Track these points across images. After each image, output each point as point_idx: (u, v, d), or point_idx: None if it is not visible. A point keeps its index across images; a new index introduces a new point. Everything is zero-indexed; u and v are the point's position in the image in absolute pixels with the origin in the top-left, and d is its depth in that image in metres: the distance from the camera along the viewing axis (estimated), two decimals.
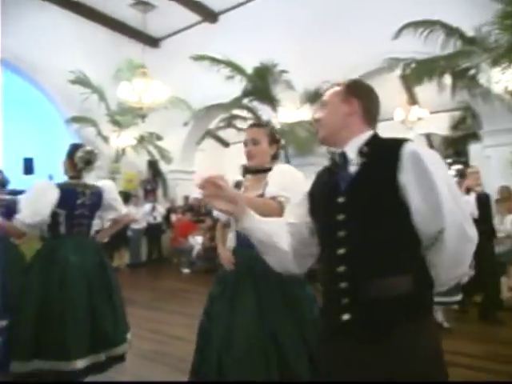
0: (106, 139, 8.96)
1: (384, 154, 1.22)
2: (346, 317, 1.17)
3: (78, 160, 2.59)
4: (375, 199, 1.18)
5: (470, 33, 5.80)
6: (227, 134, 11.60)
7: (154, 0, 8.36)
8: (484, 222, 4.36)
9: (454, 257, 1.16)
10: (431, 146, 12.33)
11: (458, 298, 3.86)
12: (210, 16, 9.09)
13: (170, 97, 8.20)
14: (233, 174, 9.53)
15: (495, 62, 5.73)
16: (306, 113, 7.61)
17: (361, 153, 1.25)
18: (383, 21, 6.75)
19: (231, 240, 2.16)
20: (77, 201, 2.54)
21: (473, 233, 1.17)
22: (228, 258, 2.07)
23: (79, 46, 8.72)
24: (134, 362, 3.07)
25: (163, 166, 9.64)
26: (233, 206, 1.24)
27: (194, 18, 9.14)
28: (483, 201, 4.56)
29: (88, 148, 2.70)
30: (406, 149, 1.17)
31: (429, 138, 11.54)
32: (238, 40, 8.30)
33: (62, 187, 2.51)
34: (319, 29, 7.59)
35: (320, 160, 8.39)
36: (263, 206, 1.70)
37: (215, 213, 2.30)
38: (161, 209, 8.99)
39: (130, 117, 8.80)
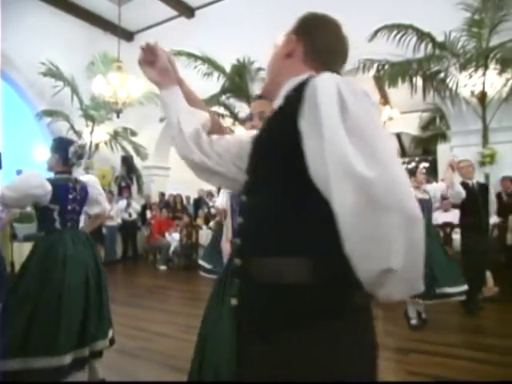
0: (78, 134, 8.76)
1: (293, 98, 0.89)
2: (233, 301, 0.95)
3: (72, 155, 2.57)
4: (273, 158, 0.90)
5: (440, 38, 6.06)
6: None
7: None
8: (472, 213, 4.24)
9: (349, 230, 0.73)
10: (401, 144, 12.80)
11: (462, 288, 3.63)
12: (187, 11, 9.04)
13: (146, 92, 8.11)
14: None
15: (463, 67, 6.03)
16: None
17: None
18: (358, 23, 6.85)
19: (229, 230, 2.14)
20: (69, 196, 2.53)
21: (390, 200, 0.70)
22: (227, 250, 2.05)
23: (51, 38, 8.48)
24: (120, 359, 3.09)
25: (138, 162, 9.53)
26: (161, 78, 1.16)
27: (171, 12, 9.07)
28: (478, 191, 4.38)
29: (80, 142, 2.71)
30: (309, 86, 0.85)
31: (399, 137, 11.95)
32: (214, 36, 8.29)
33: (54, 183, 2.49)
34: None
35: None
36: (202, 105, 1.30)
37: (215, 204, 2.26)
38: (136, 205, 8.89)
39: (104, 112, 8.65)
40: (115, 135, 9.17)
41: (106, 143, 9.10)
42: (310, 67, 1.02)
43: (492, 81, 5.96)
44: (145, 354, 3.28)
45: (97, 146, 9.09)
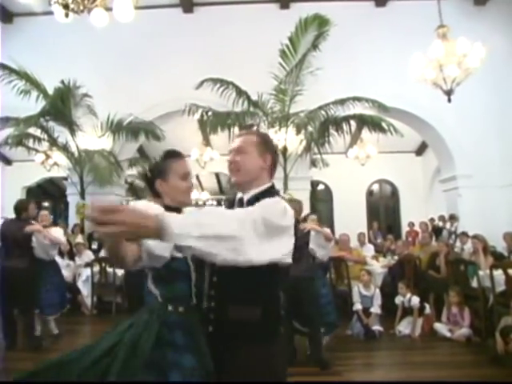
0: None
1: (260, 198, 1.45)
2: (210, 329, 1.50)
3: None
4: None
5: (254, 97, 7.13)
6: (9, 151, 10.22)
7: None
8: None
9: None
10: (219, 183, 13.94)
11: None
12: (3, 15, 8.10)
13: None
14: (14, 196, 8.66)
15: (270, 125, 7.23)
16: (107, 142, 7.62)
17: (256, 199, 1.46)
18: (186, 69, 7.57)
19: None
20: None
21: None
22: None
23: None
24: None
25: None
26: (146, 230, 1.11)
27: None
28: None
29: None
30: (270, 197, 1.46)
31: (218, 176, 13.04)
32: (35, 51, 7.69)
33: None
34: (128, 62, 7.83)
35: (118, 190, 8.44)
36: None
37: None
38: None
39: None
40: None
41: None
42: (270, 177, 1.61)
43: (291, 139, 7.30)
44: None
45: None
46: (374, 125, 6.77)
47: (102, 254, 6.15)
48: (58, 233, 4.58)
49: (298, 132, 7.01)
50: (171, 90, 7.59)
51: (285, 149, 7.30)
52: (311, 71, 6.84)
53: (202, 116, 7.13)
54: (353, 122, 7.20)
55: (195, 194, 13.60)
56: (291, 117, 7.04)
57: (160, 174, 1.63)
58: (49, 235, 4.33)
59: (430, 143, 8.93)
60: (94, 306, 6.01)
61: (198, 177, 13.16)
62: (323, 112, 7.15)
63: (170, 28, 8.01)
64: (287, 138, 7.24)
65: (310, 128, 7.13)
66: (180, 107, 7.21)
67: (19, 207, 4.38)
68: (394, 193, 12.32)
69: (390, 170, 11.63)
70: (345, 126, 7.13)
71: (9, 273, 4.18)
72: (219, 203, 15.96)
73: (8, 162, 12.52)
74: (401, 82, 7.23)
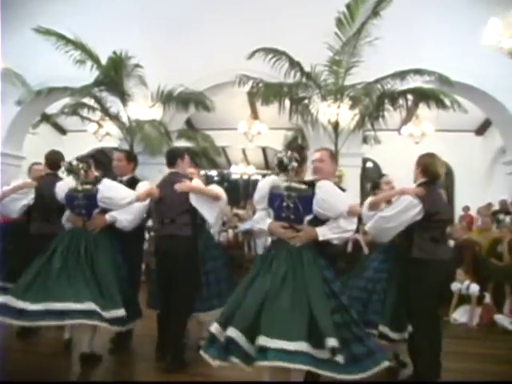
0: None
1: None
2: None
3: None
4: None
5: (307, 68, 6.84)
6: (65, 120, 10.60)
7: None
8: None
9: None
10: (266, 158, 13.80)
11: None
12: None
13: (1, 67, 7.14)
14: None
15: (323, 98, 6.94)
16: (158, 112, 7.65)
17: None
18: (238, 39, 7.37)
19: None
20: None
21: None
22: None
23: None
24: None
25: None
26: None
27: None
28: None
29: None
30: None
31: (264, 150, 12.88)
32: (90, 22, 7.71)
33: None
34: (180, 31, 7.72)
35: None
36: None
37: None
38: None
39: None
40: None
41: None
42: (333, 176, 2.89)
43: (344, 114, 6.99)
44: None
45: None
46: (436, 100, 6.31)
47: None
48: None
49: (355, 105, 6.67)
50: (221, 60, 7.44)
51: (337, 123, 7.02)
52: (369, 41, 6.41)
53: (252, 87, 6.94)
54: (410, 97, 6.78)
55: (241, 168, 13.56)
56: (346, 90, 6.69)
57: None
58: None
59: (495, 122, 8.26)
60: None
61: (244, 151, 13.08)
62: (379, 86, 6.76)
63: None
64: (340, 113, 6.94)
65: (364, 102, 6.79)
66: (230, 78, 7.06)
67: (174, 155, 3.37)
68: (449, 174, 11.64)
69: (446, 149, 10.82)
70: (401, 101, 6.74)
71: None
72: (263, 178, 15.88)
73: (63, 131, 13.02)
74: (467, 54, 6.67)
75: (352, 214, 2.43)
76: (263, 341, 2.05)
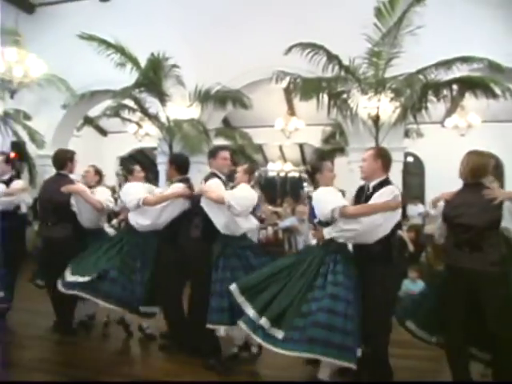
0: None
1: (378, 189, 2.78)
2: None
3: None
4: None
5: (345, 62, 6.67)
6: (106, 122, 10.97)
7: None
8: None
9: None
10: (303, 154, 13.67)
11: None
12: None
13: (47, 74, 7.45)
14: (110, 165, 9.29)
15: (363, 91, 6.74)
16: (196, 111, 7.72)
17: (373, 187, 2.82)
18: (274, 35, 7.31)
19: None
20: None
21: None
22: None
23: None
24: None
25: (32, 150, 8.63)
26: None
27: None
28: None
29: None
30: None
31: (301, 147, 12.74)
32: (128, 26, 7.92)
33: None
34: (215, 30, 7.77)
35: (205, 159, 8.57)
36: None
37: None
38: (27, 197, 8.00)
39: None
40: (5, 116, 8.20)
41: None
42: (384, 172, 2.95)
43: (385, 107, 6.76)
44: None
45: None
46: (485, 89, 5.96)
47: None
48: (103, 194, 3.96)
49: (398, 97, 6.43)
50: (258, 57, 7.40)
51: (377, 117, 6.81)
52: (411, 30, 6.15)
53: (290, 83, 6.85)
54: (455, 87, 6.45)
55: (278, 165, 13.50)
56: (387, 82, 6.47)
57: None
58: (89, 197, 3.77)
59: None
60: None
61: (280, 147, 13.01)
62: (421, 76, 6.48)
63: None
64: (380, 106, 6.73)
65: (406, 94, 6.52)
66: (267, 75, 7.01)
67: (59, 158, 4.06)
68: (498, 168, 11.05)
69: (494, 141, 10.37)
70: (446, 91, 6.42)
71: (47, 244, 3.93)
72: (300, 175, 15.75)
73: (104, 133, 13.47)
74: None
75: (343, 215, 2.71)
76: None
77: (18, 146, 8.39)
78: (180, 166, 3.73)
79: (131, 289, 3.51)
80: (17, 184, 4.30)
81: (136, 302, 3.50)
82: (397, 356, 2.94)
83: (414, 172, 11.14)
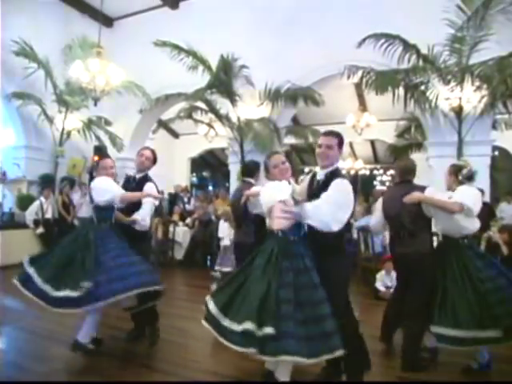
0: (50, 120, 8.36)
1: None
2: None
3: None
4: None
5: (423, 50, 6.22)
6: (177, 125, 11.38)
7: None
8: None
9: None
10: (374, 151, 13.11)
11: None
12: (171, 1, 8.83)
13: (125, 81, 7.86)
14: (181, 166, 9.55)
15: (444, 81, 6.24)
16: (266, 110, 7.70)
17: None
18: (344, 29, 7.04)
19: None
20: None
21: None
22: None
23: (25, 15, 8.02)
24: (100, 360, 2.99)
25: (112, 153, 9.19)
26: None
27: (154, 1, 8.83)
28: None
29: None
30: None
31: (373, 143, 12.22)
32: (198, 30, 8.14)
33: None
34: (283, 28, 7.70)
35: None
36: None
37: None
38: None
39: (80, 98, 8.30)
40: (89, 123, 8.81)
41: (78, 131, 8.73)
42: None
43: (468, 96, 6.21)
44: (127, 356, 3.17)
45: (68, 133, 8.70)
46: None
47: None
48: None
49: (489, 85, 5.86)
50: (327, 52, 7.18)
51: (460, 108, 6.27)
52: (503, 8, 5.55)
53: (362, 77, 6.54)
54: None
55: (348, 163, 13.06)
56: (472, 69, 5.92)
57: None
58: None
59: None
60: None
61: (351, 144, 12.59)
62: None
63: None
64: (463, 96, 6.18)
65: (495, 82, 5.92)
66: (337, 70, 6.76)
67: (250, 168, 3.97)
68: None
69: None
70: None
71: None
72: (372, 172, 15.14)
73: (176, 135, 14.01)
74: None
75: None
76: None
77: (99, 150, 8.98)
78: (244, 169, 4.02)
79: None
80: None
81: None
82: None
83: (503, 168, 10.16)
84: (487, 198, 6.27)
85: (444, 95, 6.31)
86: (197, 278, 6.62)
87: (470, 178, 3.21)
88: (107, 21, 9.32)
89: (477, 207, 3.02)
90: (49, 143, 8.64)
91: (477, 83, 6.00)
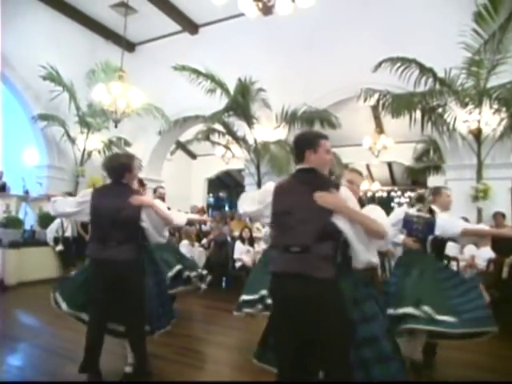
0: (72, 140, 8.62)
1: None
2: None
3: None
4: None
5: (440, 74, 6.24)
6: (195, 146, 11.56)
7: (136, 4, 8.26)
8: None
9: None
10: (392, 174, 13.01)
11: None
12: (191, 27, 9.11)
13: (144, 103, 8.07)
14: (198, 186, 9.63)
15: (462, 104, 6.22)
16: (283, 132, 7.78)
17: None
18: (360, 52, 7.13)
19: None
20: None
21: None
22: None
23: (51, 41, 8.40)
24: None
25: None
26: None
27: (174, 27, 9.12)
28: None
29: None
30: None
31: (390, 166, 12.14)
32: (217, 54, 8.36)
33: None
34: (300, 52, 7.83)
35: None
36: None
37: None
38: None
39: (101, 120, 8.55)
40: (109, 144, 9.04)
41: (99, 152, 8.96)
42: None
43: (487, 119, 6.16)
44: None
45: (89, 153, 8.94)
46: None
47: None
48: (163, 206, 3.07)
49: (508, 107, 5.81)
50: (343, 76, 7.26)
51: (479, 131, 6.21)
52: None
53: (378, 100, 6.57)
54: None
55: (365, 185, 13.00)
56: (490, 92, 5.89)
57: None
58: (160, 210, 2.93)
59: None
60: None
61: (368, 166, 12.54)
62: None
63: (340, 12, 7.60)
64: (482, 119, 6.14)
65: None
66: (353, 93, 6.82)
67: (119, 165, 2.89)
68: None
69: None
70: None
71: (106, 267, 2.80)
72: (389, 194, 14.98)
73: (193, 156, 14.22)
74: None
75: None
76: None
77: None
78: None
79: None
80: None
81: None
82: None
83: None
84: (509, 222, 6.12)
85: (462, 118, 6.28)
86: (213, 300, 6.58)
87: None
88: (129, 46, 9.66)
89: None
90: (70, 163, 8.88)
91: (495, 106, 5.96)
